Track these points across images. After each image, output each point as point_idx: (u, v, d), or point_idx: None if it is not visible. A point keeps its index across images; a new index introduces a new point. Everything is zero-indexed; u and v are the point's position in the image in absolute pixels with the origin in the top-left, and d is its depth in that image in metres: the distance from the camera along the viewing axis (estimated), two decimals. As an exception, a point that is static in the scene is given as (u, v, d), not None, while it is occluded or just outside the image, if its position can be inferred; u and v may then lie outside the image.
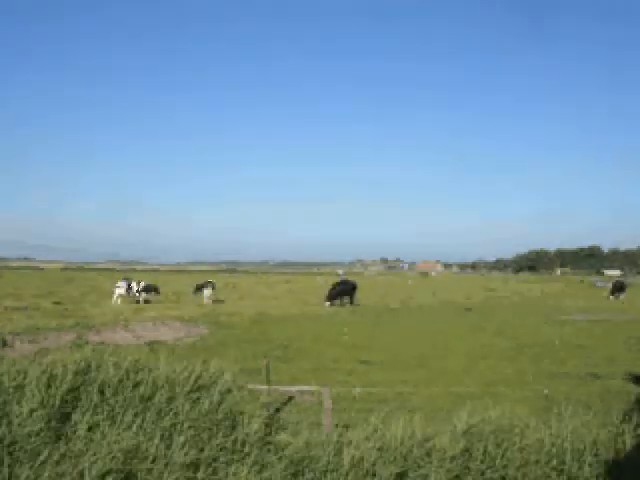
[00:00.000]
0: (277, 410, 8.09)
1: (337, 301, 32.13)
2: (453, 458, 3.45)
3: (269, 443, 3.34)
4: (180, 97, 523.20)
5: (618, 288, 41.72)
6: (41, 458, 2.81)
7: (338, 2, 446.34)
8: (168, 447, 3.06)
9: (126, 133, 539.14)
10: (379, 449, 3.35)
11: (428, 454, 3.46)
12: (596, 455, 3.65)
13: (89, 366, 3.89)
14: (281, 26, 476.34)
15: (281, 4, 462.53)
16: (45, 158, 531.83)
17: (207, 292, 31.98)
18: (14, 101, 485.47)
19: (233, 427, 3.61)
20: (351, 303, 32.80)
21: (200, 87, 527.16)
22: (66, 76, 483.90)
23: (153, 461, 2.99)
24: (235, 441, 3.41)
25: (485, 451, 3.61)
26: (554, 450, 3.64)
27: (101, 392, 3.61)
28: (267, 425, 3.80)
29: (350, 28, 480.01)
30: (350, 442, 3.37)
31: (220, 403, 3.78)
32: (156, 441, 3.06)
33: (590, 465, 3.58)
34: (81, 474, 2.80)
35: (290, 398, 9.21)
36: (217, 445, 3.26)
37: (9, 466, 2.79)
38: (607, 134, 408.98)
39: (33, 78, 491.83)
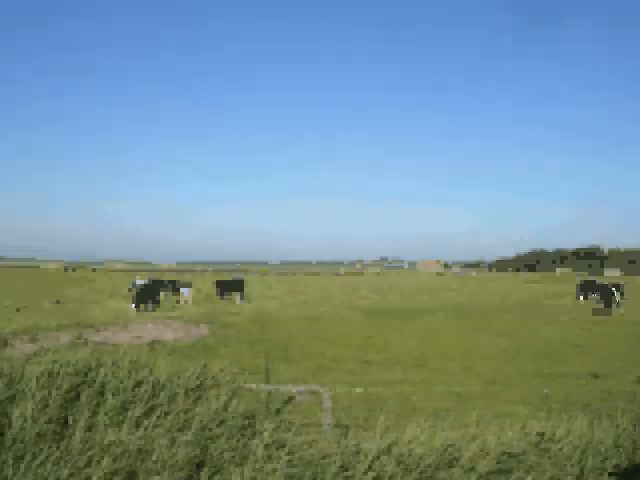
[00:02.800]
0: (277, 410, 8.09)
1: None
2: (482, 476, 3.40)
3: (279, 444, 3.32)
4: (181, 96, 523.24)
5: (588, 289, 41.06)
6: (41, 458, 2.81)
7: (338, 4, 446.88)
8: (172, 447, 3.06)
9: (126, 134, 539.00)
10: (397, 460, 3.31)
11: (450, 465, 3.42)
12: (599, 455, 3.65)
13: (89, 366, 3.88)
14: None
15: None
16: (45, 158, 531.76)
17: (188, 291, 31.15)
18: (14, 101, 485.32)
19: (241, 427, 3.61)
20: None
21: (200, 87, 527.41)
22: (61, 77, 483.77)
23: (156, 461, 2.99)
24: (244, 441, 3.40)
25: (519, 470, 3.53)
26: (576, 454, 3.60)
27: (101, 393, 3.61)
28: (275, 426, 3.80)
29: (349, 30, 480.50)
30: (365, 451, 3.34)
31: (226, 403, 3.77)
32: (159, 440, 3.06)
33: (593, 465, 3.58)
34: (81, 474, 2.80)
35: (290, 398, 9.21)
36: (225, 444, 3.26)
37: (12, 466, 2.80)
38: (607, 134, 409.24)
39: (34, 79, 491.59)
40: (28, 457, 2.86)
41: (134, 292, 36.62)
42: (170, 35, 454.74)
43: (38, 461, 2.84)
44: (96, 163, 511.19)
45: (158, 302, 27.64)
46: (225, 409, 3.65)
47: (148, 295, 27.29)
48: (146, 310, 25.53)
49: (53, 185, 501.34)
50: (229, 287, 33.89)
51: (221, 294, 33.17)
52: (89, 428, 3.18)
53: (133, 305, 25.21)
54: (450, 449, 3.56)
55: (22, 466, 2.80)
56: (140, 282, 39.63)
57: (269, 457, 3.23)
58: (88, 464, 2.86)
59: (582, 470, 3.57)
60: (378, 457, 3.33)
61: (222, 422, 3.52)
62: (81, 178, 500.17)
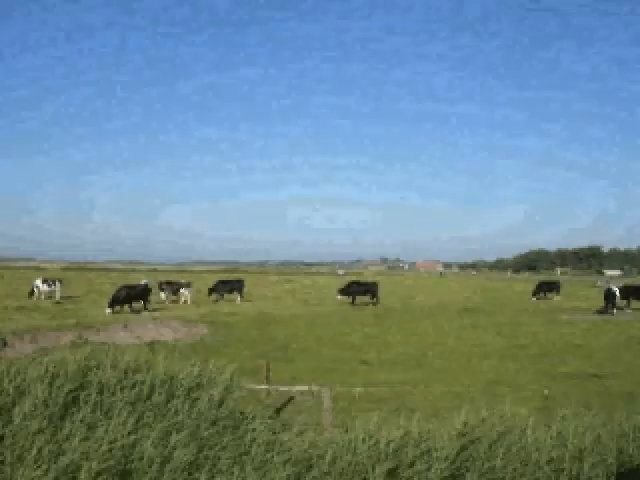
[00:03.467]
0: (277, 410, 8.08)
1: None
2: (447, 458, 3.44)
3: (279, 445, 3.34)
4: (181, 96, 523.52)
5: (546, 289, 41.02)
6: (40, 456, 2.82)
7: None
8: (166, 446, 3.07)
9: (128, 134, 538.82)
10: (373, 450, 3.35)
11: (423, 453, 3.46)
12: (599, 456, 3.65)
13: (89, 366, 3.89)
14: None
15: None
16: (45, 158, 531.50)
17: (186, 292, 30.98)
18: (15, 102, 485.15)
19: (236, 427, 3.62)
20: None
21: (202, 90, 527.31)
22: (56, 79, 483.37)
23: (150, 460, 3.00)
24: (239, 441, 3.41)
25: (483, 451, 3.61)
26: (555, 451, 3.64)
27: (100, 392, 3.62)
28: (271, 425, 3.80)
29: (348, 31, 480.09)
30: (349, 444, 3.37)
31: (221, 402, 3.78)
32: (153, 440, 3.07)
33: (593, 466, 3.58)
34: (77, 472, 2.81)
35: (290, 398, 9.21)
36: (219, 444, 3.26)
37: (10, 464, 2.81)
38: (607, 134, 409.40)
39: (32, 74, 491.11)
40: (25, 454, 2.87)
41: (37, 292, 32.43)
42: (170, 35, 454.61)
43: (38, 460, 2.85)
44: (96, 163, 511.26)
45: (148, 304, 26.46)
46: (224, 408, 3.66)
47: (129, 297, 25.70)
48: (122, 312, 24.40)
49: (53, 185, 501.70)
50: (228, 287, 33.87)
51: (220, 294, 33.02)
52: (87, 427, 3.19)
53: (107, 306, 24.54)
54: (423, 436, 3.60)
55: (23, 465, 2.80)
56: (39, 282, 34.16)
57: (267, 457, 3.24)
58: (83, 462, 2.87)
59: (582, 470, 3.57)
60: (364, 455, 3.35)
61: (219, 421, 3.52)
62: (81, 178, 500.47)
